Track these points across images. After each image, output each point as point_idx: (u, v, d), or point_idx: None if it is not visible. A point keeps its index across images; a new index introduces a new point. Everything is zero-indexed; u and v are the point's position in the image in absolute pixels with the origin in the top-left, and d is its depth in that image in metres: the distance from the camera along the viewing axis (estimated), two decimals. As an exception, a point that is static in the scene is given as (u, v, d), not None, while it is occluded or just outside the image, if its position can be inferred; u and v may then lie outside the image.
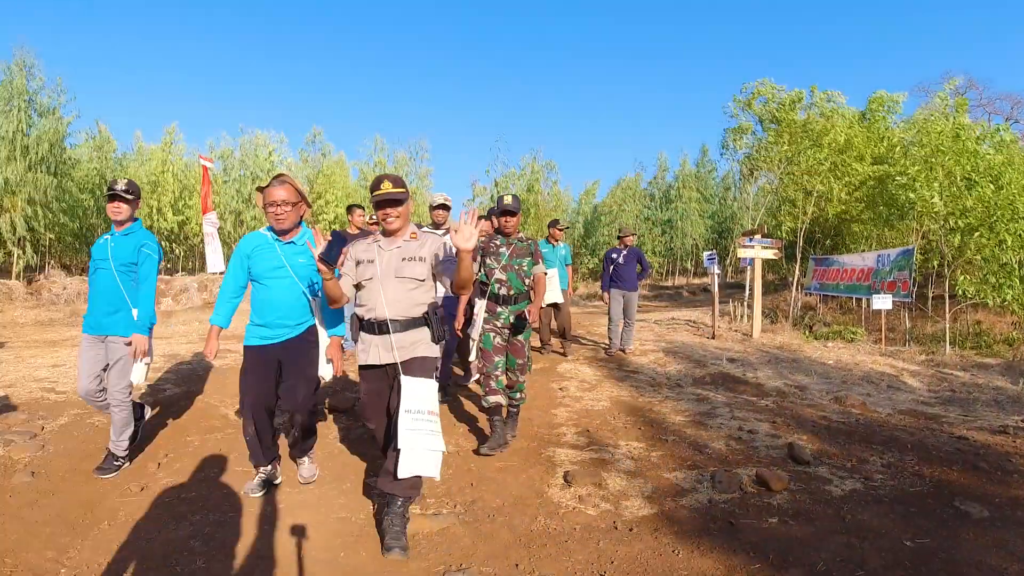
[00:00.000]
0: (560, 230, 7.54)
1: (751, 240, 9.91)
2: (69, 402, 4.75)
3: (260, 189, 3.11)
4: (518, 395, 4.08)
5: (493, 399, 3.86)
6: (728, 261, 25.42)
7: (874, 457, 3.81)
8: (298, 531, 2.73)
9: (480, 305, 3.93)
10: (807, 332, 10.48)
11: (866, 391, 6.11)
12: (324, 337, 3.16)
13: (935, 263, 10.56)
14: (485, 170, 23.49)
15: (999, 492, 3.27)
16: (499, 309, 3.92)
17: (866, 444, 4.09)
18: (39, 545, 2.62)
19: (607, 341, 7.93)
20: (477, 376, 5.09)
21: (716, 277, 10.15)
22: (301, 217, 3.17)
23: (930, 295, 11.67)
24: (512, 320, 3.91)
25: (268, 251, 3.07)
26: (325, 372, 3.16)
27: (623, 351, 7.64)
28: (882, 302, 8.87)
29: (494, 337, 3.91)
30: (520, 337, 3.98)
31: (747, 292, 11.60)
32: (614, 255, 7.71)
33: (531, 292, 4.06)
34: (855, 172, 12.29)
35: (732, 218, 28.20)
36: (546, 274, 4.13)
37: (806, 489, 3.28)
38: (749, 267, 10.87)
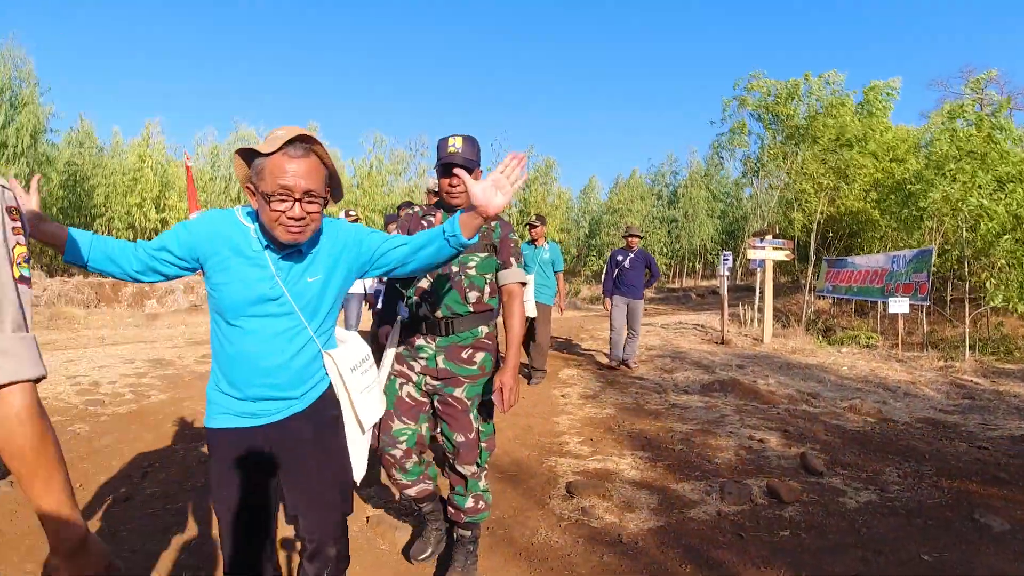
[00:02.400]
0: (533, 227, 6.62)
1: (762, 241, 9.92)
2: (49, 408, 4.75)
3: (247, 154, 1.58)
4: (468, 502, 2.42)
5: (411, 491, 2.41)
6: (738, 262, 25.46)
7: (890, 467, 3.81)
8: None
9: (396, 328, 2.51)
10: (820, 337, 10.49)
11: (882, 398, 6.11)
12: (358, 391, 1.82)
13: (953, 265, 10.58)
14: (487, 167, 23.45)
15: (1021, 504, 3.28)
16: (420, 341, 2.39)
17: (882, 454, 4.10)
18: (18, 558, 2.62)
19: (608, 350, 7.55)
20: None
21: (725, 279, 10.16)
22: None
23: (948, 298, 11.68)
24: (443, 363, 2.35)
25: (249, 262, 1.62)
26: (359, 462, 1.85)
27: (625, 364, 7.28)
28: (899, 305, 8.88)
29: (402, 386, 2.39)
30: (459, 394, 2.36)
31: (758, 295, 11.61)
32: (619, 257, 7.30)
33: (485, 318, 2.45)
34: (864, 168, 12.34)
35: (744, 218, 28.30)
36: (524, 284, 2.55)
37: (819, 501, 3.28)
38: (760, 269, 10.89)
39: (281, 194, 1.51)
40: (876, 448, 4.22)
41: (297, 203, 1.52)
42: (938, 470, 3.77)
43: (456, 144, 2.33)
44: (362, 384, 1.83)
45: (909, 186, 10.75)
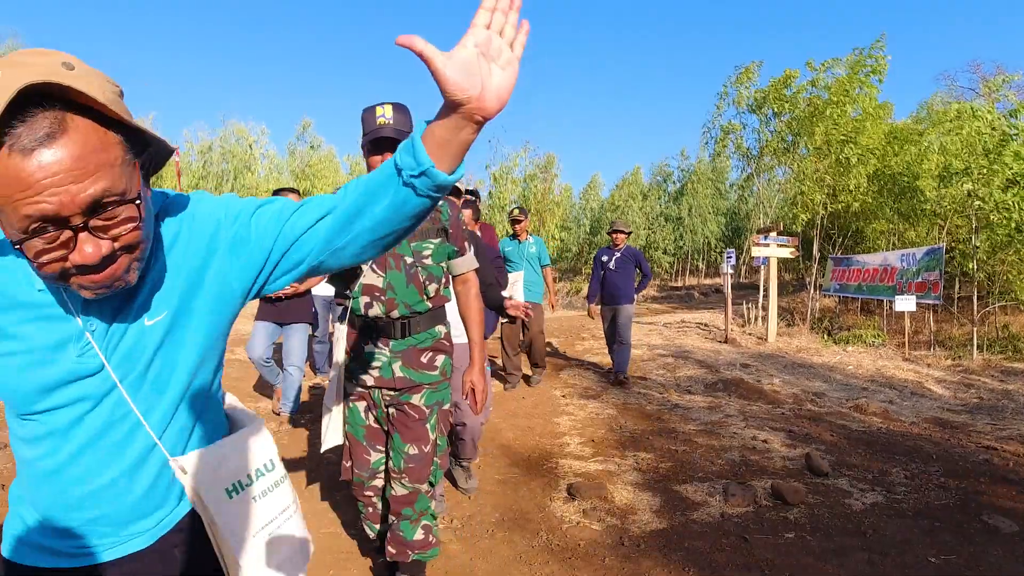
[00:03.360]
0: (517, 221, 6.12)
1: (766, 238, 9.92)
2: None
3: None
4: (417, 533, 2.13)
5: (382, 527, 2.27)
6: (742, 260, 25.46)
7: (897, 468, 3.82)
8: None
9: (339, 335, 2.18)
10: (825, 335, 10.48)
11: (888, 398, 6.12)
12: (241, 533, 0.97)
13: (962, 263, 10.57)
14: (485, 165, 23.47)
15: (1029, 505, 3.28)
16: (369, 348, 2.11)
17: (888, 455, 4.10)
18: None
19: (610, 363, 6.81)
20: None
21: (729, 277, 10.17)
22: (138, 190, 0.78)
23: (956, 296, 11.67)
24: (400, 370, 2.09)
25: (35, 312, 0.83)
26: None
27: (620, 375, 6.39)
28: (905, 303, 8.86)
29: (364, 411, 2.17)
30: (417, 401, 2.11)
31: (762, 293, 11.61)
32: (604, 258, 6.50)
33: (441, 315, 2.22)
34: (865, 160, 12.33)
35: (748, 216, 28.29)
36: (476, 270, 2.35)
37: (824, 502, 3.28)
38: (764, 266, 10.89)
39: (41, 234, 0.72)
40: (882, 448, 4.22)
41: (83, 234, 0.74)
42: (946, 471, 3.78)
43: (386, 114, 1.96)
44: (256, 521, 0.99)
45: (906, 181, 10.77)
